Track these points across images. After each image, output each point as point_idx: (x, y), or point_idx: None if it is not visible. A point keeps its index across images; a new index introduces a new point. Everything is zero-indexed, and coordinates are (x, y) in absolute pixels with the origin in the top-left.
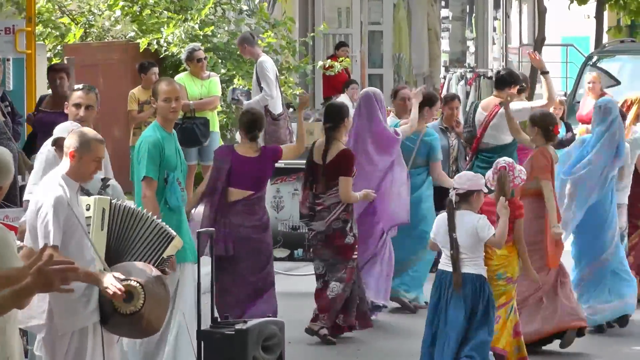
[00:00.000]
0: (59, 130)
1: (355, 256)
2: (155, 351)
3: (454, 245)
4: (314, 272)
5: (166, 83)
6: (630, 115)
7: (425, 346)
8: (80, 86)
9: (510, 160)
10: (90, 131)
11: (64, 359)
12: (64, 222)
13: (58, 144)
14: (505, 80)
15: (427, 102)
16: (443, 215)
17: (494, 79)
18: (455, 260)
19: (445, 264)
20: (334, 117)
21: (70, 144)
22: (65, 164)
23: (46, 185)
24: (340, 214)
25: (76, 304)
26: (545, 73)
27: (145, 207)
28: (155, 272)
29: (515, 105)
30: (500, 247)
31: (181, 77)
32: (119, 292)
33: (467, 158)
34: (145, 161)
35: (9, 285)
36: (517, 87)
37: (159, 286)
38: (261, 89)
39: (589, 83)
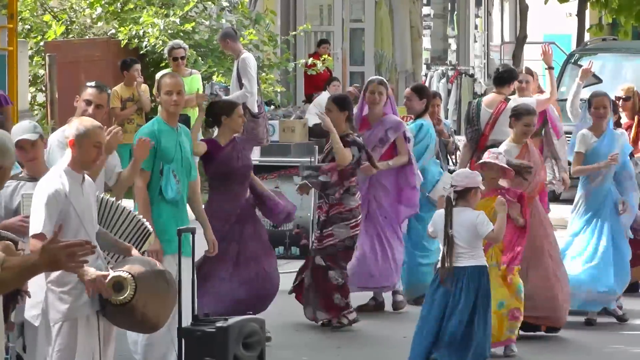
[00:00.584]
0: (17, 131)
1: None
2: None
3: (447, 241)
4: (294, 270)
5: (169, 76)
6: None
7: (418, 340)
8: (94, 84)
9: (499, 151)
10: (87, 119)
11: (53, 349)
12: (59, 214)
13: (18, 145)
14: (505, 78)
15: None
16: (441, 211)
17: (493, 77)
18: (445, 256)
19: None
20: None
21: (69, 133)
22: (67, 155)
23: (47, 177)
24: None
25: (67, 295)
26: (550, 68)
27: (136, 197)
28: (159, 266)
29: (521, 100)
30: (497, 242)
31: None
32: (98, 283)
33: (450, 155)
34: None
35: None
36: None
37: (158, 280)
38: (241, 85)
39: None
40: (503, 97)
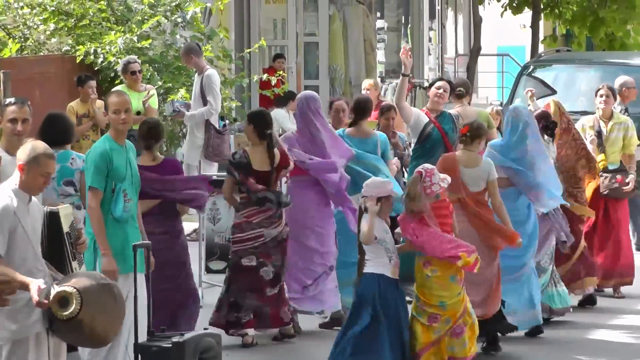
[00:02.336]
0: None
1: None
2: None
3: (359, 249)
4: None
5: (116, 95)
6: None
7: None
8: (12, 100)
9: (430, 167)
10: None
11: None
12: (8, 231)
13: None
14: (463, 93)
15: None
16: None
17: (456, 92)
18: (359, 262)
19: None
20: None
21: (20, 157)
22: (17, 175)
23: None
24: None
25: (17, 314)
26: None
27: (90, 217)
28: (104, 280)
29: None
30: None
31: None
32: (43, 300)
33: (405, 168)
34: (91, 171)
35: None
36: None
37: (105, 294)
38: (205, 101)
39: None
40: (460, 108)
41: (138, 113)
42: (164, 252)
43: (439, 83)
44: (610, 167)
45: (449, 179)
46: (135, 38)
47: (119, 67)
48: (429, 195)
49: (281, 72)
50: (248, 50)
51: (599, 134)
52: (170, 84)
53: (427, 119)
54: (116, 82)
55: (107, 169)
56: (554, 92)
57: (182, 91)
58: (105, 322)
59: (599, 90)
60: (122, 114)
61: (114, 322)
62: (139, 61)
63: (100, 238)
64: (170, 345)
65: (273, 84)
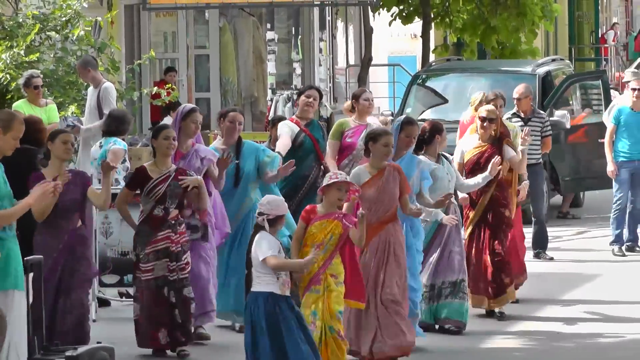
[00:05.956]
0: None
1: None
2: None
3: (246, 265)
4: None
5: None
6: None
7: None
8: None
9: (340, 174)
10: None
11: None
12: None
13: None
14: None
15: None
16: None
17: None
18: (247, 278)
19: None
20: None
21: None
22: None
23: None
24: None
25: None
26: None
27: None
28: None
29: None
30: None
31: (19, 105)
32: None
33: None
34: None
35: None
36: None
37: None
38: (101, 114)
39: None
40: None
41: None
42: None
43: (309, 92)
44: None
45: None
46: (22, 52)
47: (20, 81)
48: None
49: (171, 85)
50: (138, 61)
51: None
52: (62, 99)
53: (298, 128)
54: (7, 97)
55: None
56: (445, 101)
57: (73, 107)
58: None
59: (491, 100)
60: None
61: None
62: (42, 76)
63: None
64: (64, 359)
65: (163, 97)
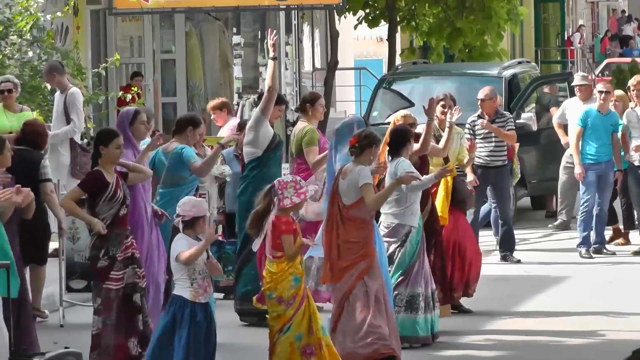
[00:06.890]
0: None
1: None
2: None
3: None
4: None
5: None
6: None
7: None
8: None
9: (289, 179)
10: None
11: None
12: None
13: None
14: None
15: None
16: None
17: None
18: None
19: None
20: None
21: None
22: None
23: None
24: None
25: None
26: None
27: None
28: None
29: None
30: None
31: None
32: None
33: None
34: None
35: None
36: None
37: None
38: (68, 120)
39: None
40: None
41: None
42: None
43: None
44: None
45: (310, 191)
46: None
47: None
48: (281, 208)
49: (136, 89)
50: (103, 65)
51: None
52: (27, 105)
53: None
54: None
55: None
56: (411, 104)
57: (35, 113)
58: None
59: (440, 100)
60: None
61: None
62: (15, 80)
63: None
64: None
65: (128, 101)
